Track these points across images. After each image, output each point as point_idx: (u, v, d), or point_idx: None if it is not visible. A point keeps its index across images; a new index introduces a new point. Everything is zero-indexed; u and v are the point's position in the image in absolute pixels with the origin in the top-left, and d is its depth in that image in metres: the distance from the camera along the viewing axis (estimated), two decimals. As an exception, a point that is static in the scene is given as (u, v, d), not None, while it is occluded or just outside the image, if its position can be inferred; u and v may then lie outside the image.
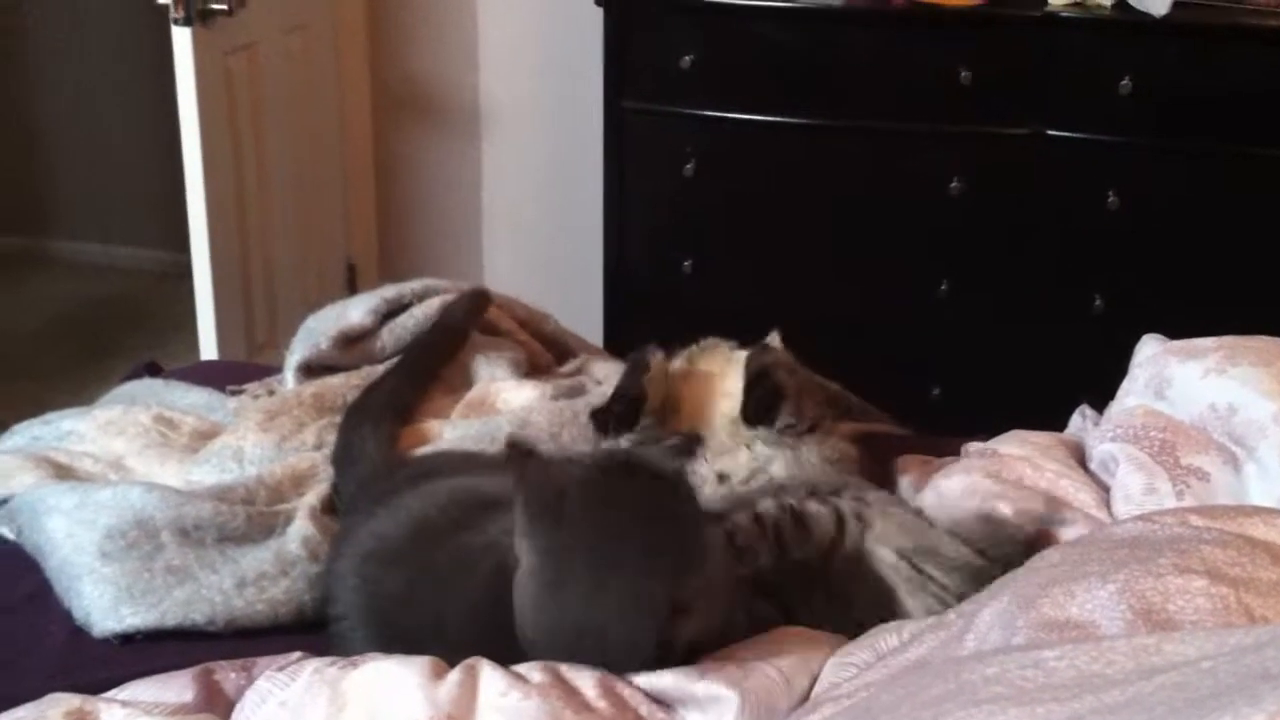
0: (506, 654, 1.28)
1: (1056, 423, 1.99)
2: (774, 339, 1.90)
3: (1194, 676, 0.78)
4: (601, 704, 1.21)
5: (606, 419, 1.71)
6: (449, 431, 1.83)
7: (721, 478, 1.65)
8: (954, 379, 3.15)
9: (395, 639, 1.37)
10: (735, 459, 1.68)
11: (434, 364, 2.01)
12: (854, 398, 2.11)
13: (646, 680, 1.25)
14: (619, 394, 1.74)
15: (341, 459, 1.77)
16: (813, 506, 1.54)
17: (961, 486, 1.65)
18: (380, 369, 1.98)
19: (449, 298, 2.10)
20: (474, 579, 1.38)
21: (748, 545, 1.48)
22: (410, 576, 1.45)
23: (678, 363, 1.86)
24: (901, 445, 1.98)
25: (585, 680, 1.24)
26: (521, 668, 1.27)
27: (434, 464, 1.68)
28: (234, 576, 1.59)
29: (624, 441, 1.69)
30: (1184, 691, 0.75)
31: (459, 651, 1.30)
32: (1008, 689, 0.84)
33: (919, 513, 1.58)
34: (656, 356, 1.78)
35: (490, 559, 1.38)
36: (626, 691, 1.24)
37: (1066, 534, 1.55)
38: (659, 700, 1.24)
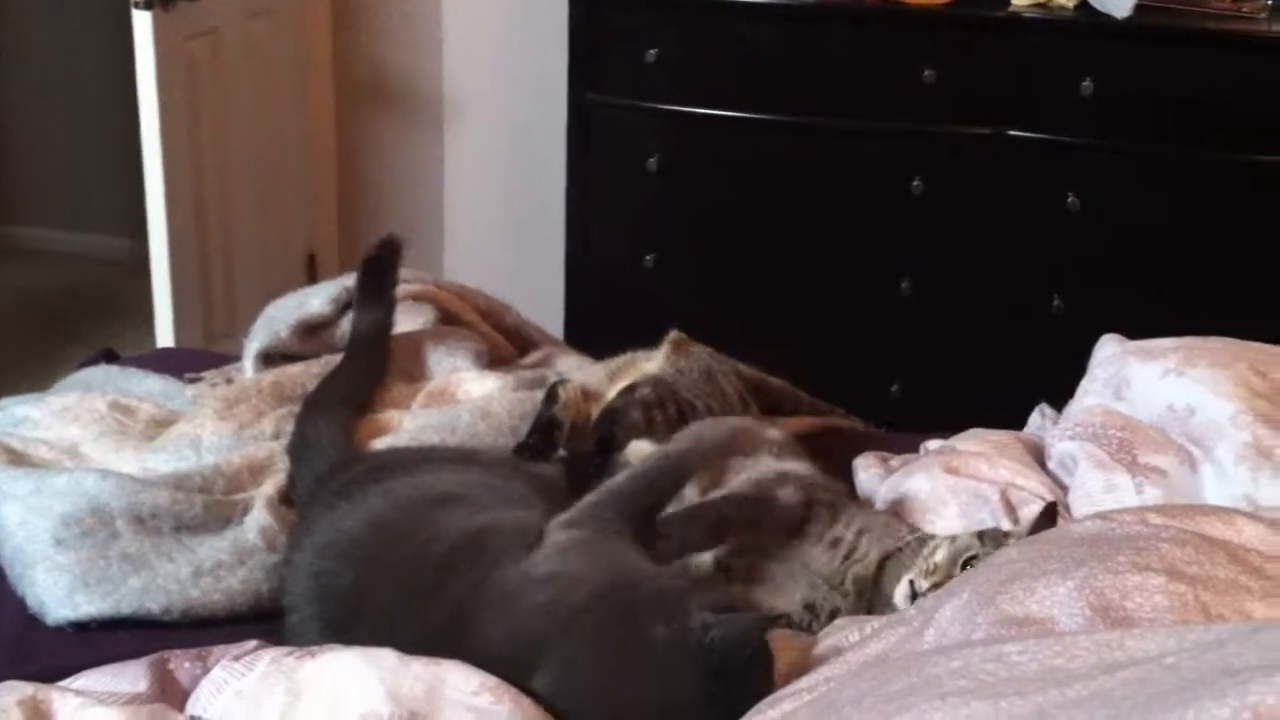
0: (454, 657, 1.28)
1: (1014, 421, 2.00)
2: (673, 336, 1.92)
3: (1157, 672, 0.78)
4: None
5: (524, 451, 1.74)
6: (409, 422, 1.82)
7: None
8: (913, 376, 3.16)
9: (344, 634, 1.36)
10: None
11: (387, 351, 1.98)
12: (804, 395, 2.11)
13: None
14: (535, 426, 1.78)
15: (298, 450, 1.75)
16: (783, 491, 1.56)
17: (925, 489, 1.65)
18: (340, 358, 1.97)
19: (411, 287, 2.09)
20: (425, 577, 1.38)
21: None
22: (363, 574, 1.44)
23: (601, 374, 1.89)
24: (859, 441, 1.98)
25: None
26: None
27: (393, 459, 1.68)
28: (190, 565, 1.57)
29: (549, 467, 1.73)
30: (1147, 686, 0.76)
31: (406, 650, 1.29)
32: (971, 682, 0.84)
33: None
34: (567, 386, 1.82)
35: (440, 553, 1.39)
36: None
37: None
38: None
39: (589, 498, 1.47)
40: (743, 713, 1.17)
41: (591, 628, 1.26)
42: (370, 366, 1.93)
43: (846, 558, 1.51)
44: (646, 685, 1.22)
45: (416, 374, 2.01)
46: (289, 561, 1.53)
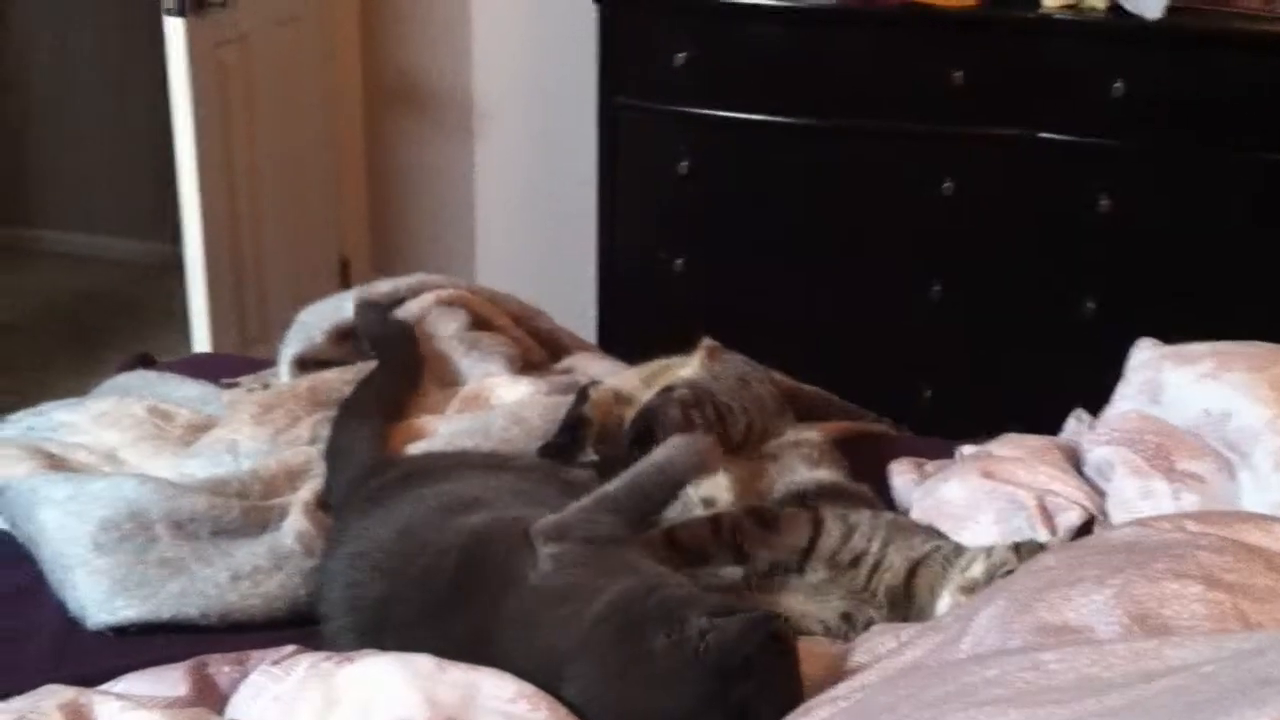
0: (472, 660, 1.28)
1: (1046, 425, 1.99)
2: (707, 342, 1.93)
3: (1194, 681, 0.78)
4: None
5: (552, 451, 1.75)
6: (444, 427, 1.83)
7: (707, 503, 1.65)
8: (945, 381, 3.15)
9: (376, 645, 1.36)
10: (716, 483, 1.67)
11: (418, 357, 2.00)
12: (836, 400, 2.11)
13: None
14: (564, 425, 1.78)
15: (333, 456, 1.76)
16: (788, 510, 1.56)
17: (961, 496, 1.65)
18: (375, 364, 1.98)
19: (443, 293, 2.10)
20: (443, 589, 1.40)
21: (695, 545, 1.51)
22: (391, 584, 1.45)
23: (634, 378, 1.89)
24: (892, 446, 1.98)
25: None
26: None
27: (425, 464, 1.69)
28: (228, 570, 1.59)
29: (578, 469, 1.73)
30: (1185, 695, 0.76)
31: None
32: (1008, 690, 0.84)
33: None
34: (599, 387, 1.83)
35: (451, 565, 1.40)
36: None
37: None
38: None
39: (582, 501, 1.46)
40: (761, 714, 1.18)
41: (604, 641, 1.27)
42: (404, 372, 1.94)
43: (874, 570, 1.50)
44: (651, 696, 1.22)
45: (449, 379, 2.02)
46: (324, 569, 1.54)
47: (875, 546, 1.51)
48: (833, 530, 1.53)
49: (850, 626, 1.47)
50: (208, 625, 1.54)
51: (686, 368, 1.89)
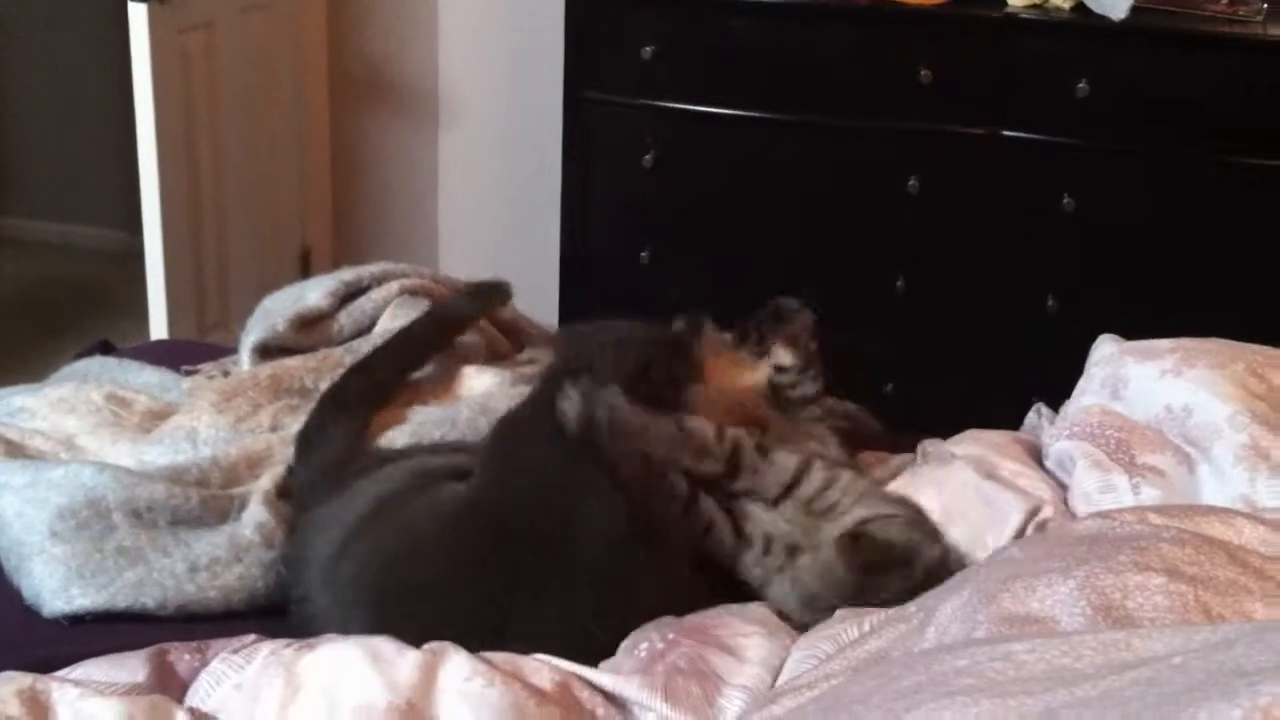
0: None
1: (1008, 420, 2.00)
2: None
3: (1165, 672, 0.78)
4: (556, 698, 1.22)
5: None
6: (412, 416, 1.82)
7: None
8: (907, 375, 3.16)
9: (375, 616, 1.39)
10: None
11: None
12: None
13: (610, 682, 1.26)
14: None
15: (305, 441, 1.74)
16: (782, 452, 1.58)
17: (938, 507, 1.65)
18: (338, 351, 1.97)
19: (408, 282, 2.09)
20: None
21: (699, 439, 1.53)
22: (380, 553, 1.47)
23: None
24: (860, 439, 1.98)
25: (543, 675, 1.26)
26: (486, 654, 1.27)
27: (397, 453, 1.69)
28: (186, 561, 1.57)
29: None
30: (1156, 687, 0.76)
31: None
32: (979, 680, 0.84)
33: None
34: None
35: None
36: (584, 694, 1.25)
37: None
38: (615, 700, 1.25)
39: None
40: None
41: None
42: (399, 369, 1.91)
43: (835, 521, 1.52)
44: None
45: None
46: (294, 556, 1.54)
47: (847, 501, 1.53)
48: (815, 478, 1.56)
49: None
50: (165, 616, 1.52)
51: None
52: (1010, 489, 1.61)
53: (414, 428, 1.77)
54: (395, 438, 1.75)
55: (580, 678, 1.29)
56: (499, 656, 1.30)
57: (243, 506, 1.66)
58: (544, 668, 1.29)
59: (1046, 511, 1.56)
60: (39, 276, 4.47)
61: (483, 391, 1.88)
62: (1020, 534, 1.54)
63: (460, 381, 1.93)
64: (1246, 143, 2.88)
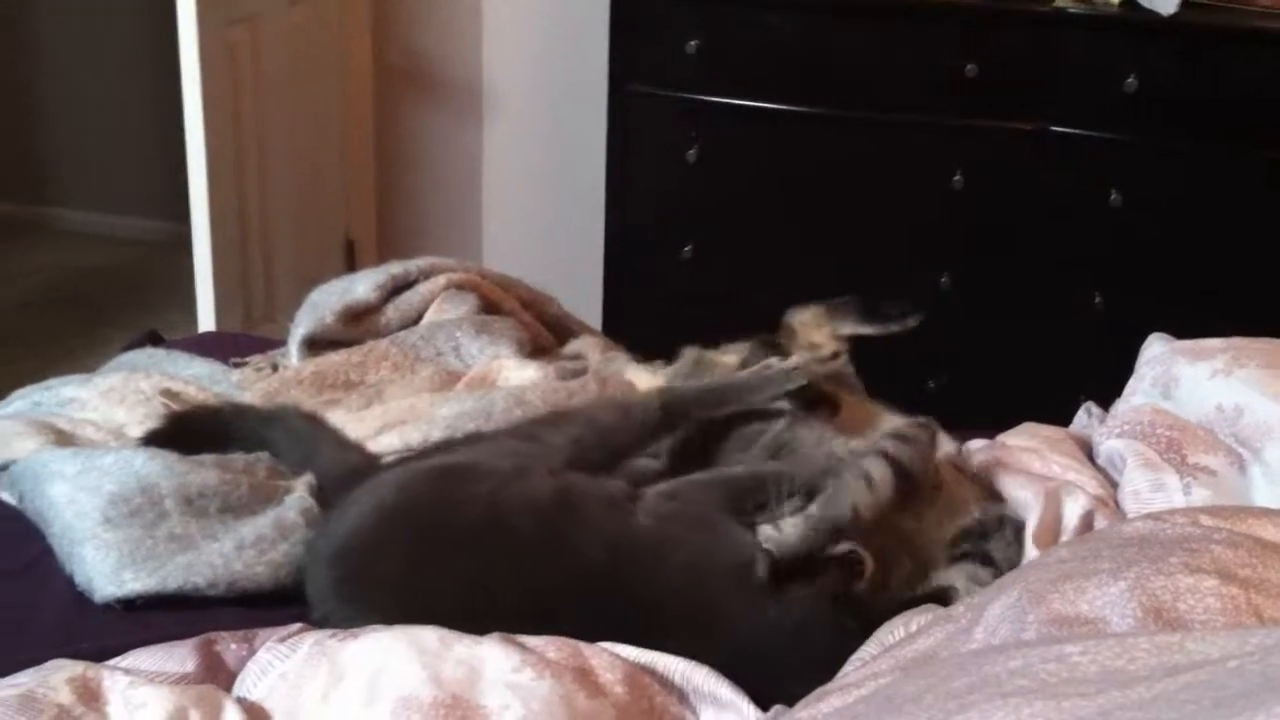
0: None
1: (1053, 418, 1.99)
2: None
3: (1220, 675, 0.78)
4: (618, 689, 1.21)
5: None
6: (445, 409, 1.81)
7: None
8: (952, 373, 3.15)
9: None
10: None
11: None
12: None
13: (680, 672, 1.25)
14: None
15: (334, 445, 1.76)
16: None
17: None
18: (383, 344, 1.98)
19: (455, 276, 2.10)
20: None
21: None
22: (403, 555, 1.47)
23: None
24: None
25: (603, 661, 1.24)
26: (537, 642, 1.27)
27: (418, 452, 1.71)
28: (234, 541, 1.58)
29: None
30: (1212, 690, 0.75)
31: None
32: (1032, 682, 0.84)
33: None
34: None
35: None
36: (645, 679, 1.24)
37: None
38: (680, 693, 1.25)
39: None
40: None
41: None
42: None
43: None
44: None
45: (456, 362, 2.02)
46: (311, 554, 1.55)
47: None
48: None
49: None
50: (215, 596, 1.53)
51: (730, 355, 1.88)
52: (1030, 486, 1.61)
53: (448, 419, 1.76)
54: (428, 430, 1.75)
55: (656, 673, 1.28)
56: (559, 643, 1.28)
57: (288, 493, 1.67)
58: (605, 654, 1.28)
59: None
60: (84, 267, 4.51)
61: (520, 383, 1.89)
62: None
63: (499, 374, 1.93)
64: (1297, 139, 2.85)
